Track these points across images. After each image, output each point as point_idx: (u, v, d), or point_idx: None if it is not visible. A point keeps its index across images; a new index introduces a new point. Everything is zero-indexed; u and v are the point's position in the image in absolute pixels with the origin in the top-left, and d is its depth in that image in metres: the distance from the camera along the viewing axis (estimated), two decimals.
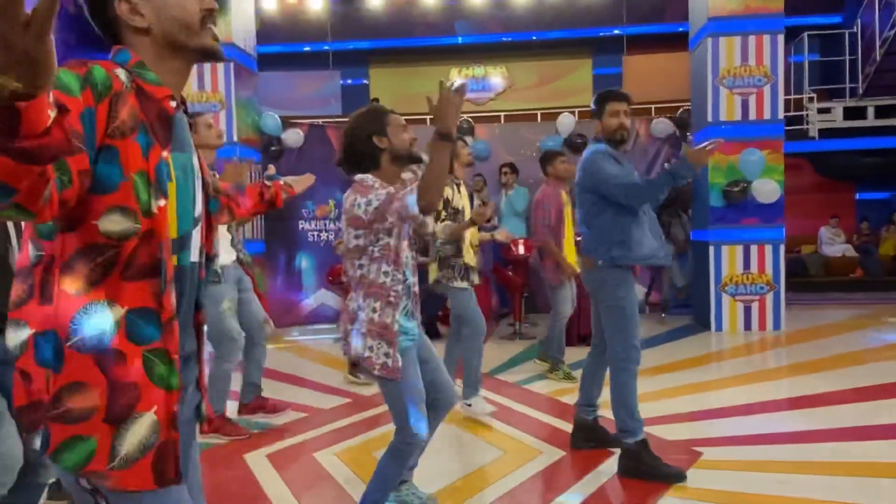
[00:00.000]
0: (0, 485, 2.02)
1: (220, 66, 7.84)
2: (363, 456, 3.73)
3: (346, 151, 2.52)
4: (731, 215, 7.48)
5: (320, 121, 10.26)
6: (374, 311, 2.44)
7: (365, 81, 14.94)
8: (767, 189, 7.30)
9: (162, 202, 1.23)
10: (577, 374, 5.41)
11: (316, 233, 8.70)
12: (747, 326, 7.50)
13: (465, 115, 10.31)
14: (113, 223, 1.18)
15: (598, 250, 3.31)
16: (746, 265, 7.50)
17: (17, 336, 1.20)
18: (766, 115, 7.45)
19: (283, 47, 13.38)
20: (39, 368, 1.17)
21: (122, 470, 1.19)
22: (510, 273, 7.26)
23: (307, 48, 13.87)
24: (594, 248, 3.33)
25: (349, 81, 14.53)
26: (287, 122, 8.80)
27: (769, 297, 7.47)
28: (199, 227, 1.38)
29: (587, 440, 3.71)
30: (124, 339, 1.19)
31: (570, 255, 5.36)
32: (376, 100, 12.87)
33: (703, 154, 3.03)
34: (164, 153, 1.26)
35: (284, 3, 12.29)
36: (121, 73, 1.23)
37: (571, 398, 4.66)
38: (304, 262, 8.80)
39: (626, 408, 3.31)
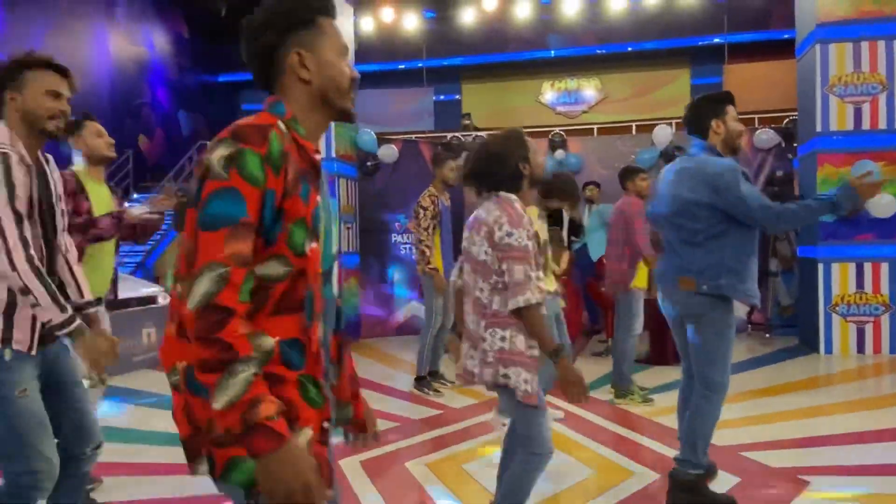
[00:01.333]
0: (43, 490, 2.17)
1: None
2: (453, 468, 3.76)
3: (487, 171, 2.56)
4: (842, 231, 7.06)
5: (414, 136, 10.47)
6: (502, 339, 2.43)
7: (457, 97, 15.15)
8: (883, 203, 6.83)
9: (314, 244, 1.35)
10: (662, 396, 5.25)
11: (407, 246, 8.86)
12: (860, 349, 7.03)
13: (556, 128, 10.26)
14: (270, 269, 1.29)
15: (706, 274, 2.94)
16: (860, 284, 7.05)
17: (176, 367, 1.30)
18: (882, 125, 7.00)
19: (378, 66, 13.77)
20: (196, 398, 1.27)
21: None
22: (603, 289, 7.13)
23: (402, 66, 14.22)
24: (700, 270, 2.96)
25: (442, 97, 14.77)
26: (382, 139, 9.03)
27: (885, 319, 6.98)
28: (336, 262, 1.51)
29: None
30: (280, 365, 1.30)
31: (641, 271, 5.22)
32: (468, 115, 13.03)
33: (873, 187, 2.71)
34: (318, 198, 1.37)
35: (381, 22, 12.69)
36: (282, 127, 1.34)
37: (665, 418, 4.52)
38: (396, 275, 8.97)
39: (704, 439, 3.02)
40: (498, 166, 2.53)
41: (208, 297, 1.18)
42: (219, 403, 1.16)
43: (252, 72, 1.43)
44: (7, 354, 2.09)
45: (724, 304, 3.01)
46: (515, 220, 2.41)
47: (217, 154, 1.24)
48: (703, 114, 3.09)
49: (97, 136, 3.35)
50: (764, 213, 2.84)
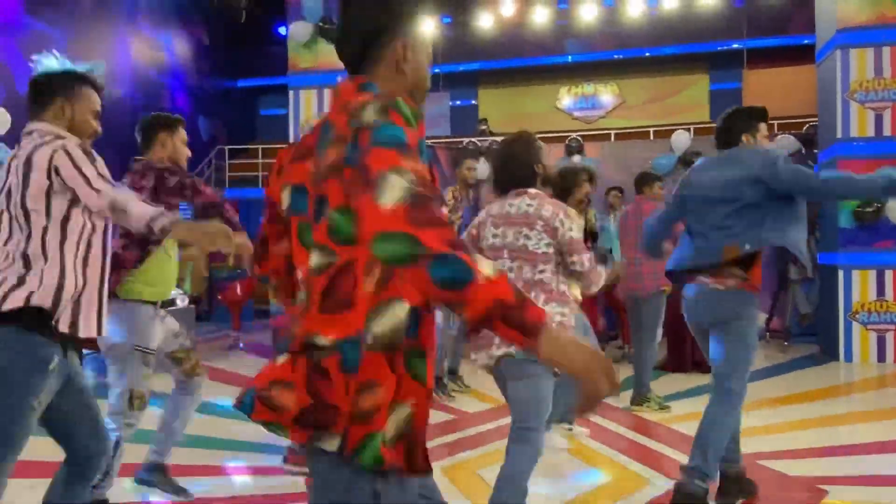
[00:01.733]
0: (128, 426, 2.18)
1: None
2: (467, 473, 3.75)
3: (506, 174, 2.83)
4: (863, 237, 6.97)
5: (430, 141, 10.50)
6: (561, 315, 2.64)
7: (474, 102, 15.16)
8: None
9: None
10: (679, 403, 5.21)
11: None
12: (881, 358, 6.94)
13: (574, 133, 10.23)
14: None
15: (748, 234, 2.89)
16: (880, 291, 6.96)
17: (320, 339, 1.22)
18: None
19: None
20: (341, 374, 1.20)
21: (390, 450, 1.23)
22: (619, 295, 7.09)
23: None
24: (740, 232, 2.91)
25: (458, 102, 14.78)
26: None
27: None
28: None
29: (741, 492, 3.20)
30: (404, 337, 1.23)
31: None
32: (485, 120, 13.03)
33: None
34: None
35: None
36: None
37: (683, 426, 4.49)
38: None
39: (716, 448, 2.94)
40: (517, 167, 2.79)
41: (409, 189, 1.08)
42: (488, 270, 1.05)
43: (344, 47, 1.39)
44: (54, 363, 2.10)
45: (752, 306, 3.00)
46: (567, 213, 2.71)
47: (368, 112, 1.19)
48: (735, 126, 3.12)
49: (183, 144, 3.48)
50: (817, 180, 2.87)
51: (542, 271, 2.67)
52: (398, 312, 1.20)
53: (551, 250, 2.67)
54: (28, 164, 2.10)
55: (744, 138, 3.09)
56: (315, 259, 1.25)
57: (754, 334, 3.02)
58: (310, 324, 1.24)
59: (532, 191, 2.76)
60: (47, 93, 2.25)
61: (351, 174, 1.17)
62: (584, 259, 2.68)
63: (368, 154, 1.13)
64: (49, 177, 2.09)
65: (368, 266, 1.19)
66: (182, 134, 3.26)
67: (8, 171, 2.17)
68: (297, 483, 3.53)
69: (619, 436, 4.43)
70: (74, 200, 2.14)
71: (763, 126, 3.14)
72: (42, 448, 3.85)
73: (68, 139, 2.18)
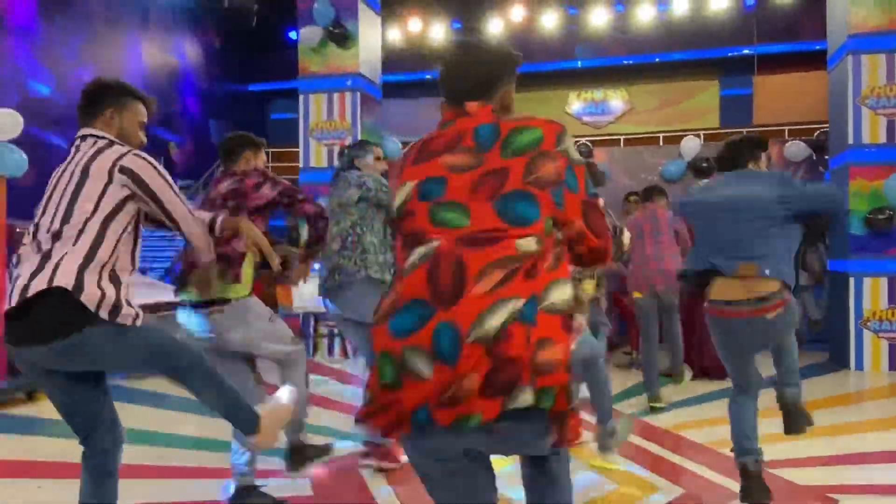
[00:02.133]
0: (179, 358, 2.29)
1: (348, 96, 8.25)
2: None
3: None
4: (874, 245, 6.92)
5: None
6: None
7: None
8: None
9: None
10: (685, 410, 5.18)
11: None
12: (892, 366, 6.87)
13: (583, 139, 10.22)
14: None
15: (768, 260, 2.98)
16: (892, 299, 6.90)
17: (504, 309, 1.39)
18: None
19: (405, 76, 13.85)
20: (522, 327, 1.38)
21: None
22: (627, 301, 7.07)
23: (428, 76, 14.28)
24: (762, 255, 2.98)
25: None
26: (406, 146, 9.08)
27: None
28: None
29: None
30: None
31: None
32: None
33: None
34: None
35: (408, 33, 12.79)
36: None
37: (690, 432, 4.46)
38: None
39: None
40: None
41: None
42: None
43: (469, 79, 1.67)
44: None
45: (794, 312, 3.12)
46: None
47: (570, 142, 1.56)
48: (742, 153, 3.22)
49: (377, 161, 3.90)
50: (833, 187, 3.11)
51: None
52: (566, 288, 1.48)
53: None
54: (85, 172, 2.17)
55: (750, 165, 3.19)
56: (524, 244, 1.46)
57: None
58: (507, 292, 1.41)
59: None
60: (98, 102, 2.32)
61: (574, 200, 1.55)
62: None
63: (592, 198, 1.59)
64: (111, 178, 2.15)
65: (553, 254, 1.50)
66: (263, 156, 3.46)
67: (61, 177, 2.24)
68: (296, 485, 3.54)
69: (627, 442, 4.40)
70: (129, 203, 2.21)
71: (764, 155, 3.25)
72: (50, 448, 3.86)
73: (128, 151, 2.24)
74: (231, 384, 2.34)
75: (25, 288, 2.03)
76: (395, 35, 12.82)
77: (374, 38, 8.84)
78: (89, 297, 2.02)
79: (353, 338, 4.08)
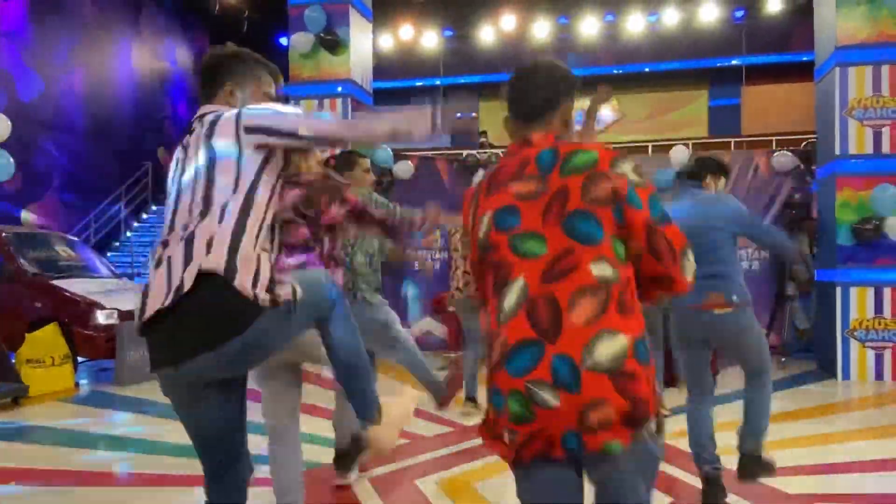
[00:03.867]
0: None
1: (339, 102, 8.25)
2: (464, 487, 3.73)
3: None
4: (861, 255, 6.98)
5: (430, 153, 10.52)
6: None
7: (474, 115, 15.21)
8: None
9: None
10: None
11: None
12: (878, 376, 6.92)
13: None
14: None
15: (739, 290, 3.24)
16: (878, 309, 6.95)
17: (613, 343, 1.46)
18: None
19: (396, 83, 13.88)
20: (640, 367, 1.47)
21: None
22: None
23: (419, 83, 14.32)
24: (734, 289, 3.24)
25: (459, 115, 14.81)
26: (398, 155, 9.08)
27: None
28: None
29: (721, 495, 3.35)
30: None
31: None
32: (485, 133, 13.08)
33: None
34: None
35: (400, 40, 12.81)
36: None
37: (677, 441, 4.47)
38: (409, 291, 8.97)
39: (768, 423, 3.34)
40: None
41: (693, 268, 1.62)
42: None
43: (534, 100, 1.73)
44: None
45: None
46: None
47: (627, 166, 1.58)
48: (703, 168, 3.57)
49: (365, 173, 3.74)
50: (774, 230, 3.47)
51: None
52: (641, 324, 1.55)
53: None
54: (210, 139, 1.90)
55: (707, 179, 3.53)
56: (599, 269, 1.51)
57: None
58: (607, 323, 1.47)
59: None
60: (217, 78, 2.09)
61: (637, 219, 1.55)
62: None
63: (664, 229, 1.57)
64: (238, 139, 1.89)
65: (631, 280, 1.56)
66: (365, 164, 3.58)
67: (187, 159, 1.95)
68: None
69: None
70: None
71: (723, 181, 3.60)
72: (37, 455, 3.81)
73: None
74: (369, 362, 2.17)
75: (179, 286, 1.72)
76: (386, 42, 12.85)
77: (365, 44, 8.85)
78: (244, 282, 1.73)
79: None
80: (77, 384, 6.69)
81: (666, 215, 1.58)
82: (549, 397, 1.46)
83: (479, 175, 8.41)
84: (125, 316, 6.92)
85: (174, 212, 1.89)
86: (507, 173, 1.66)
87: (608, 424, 1.46)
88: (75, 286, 7.18)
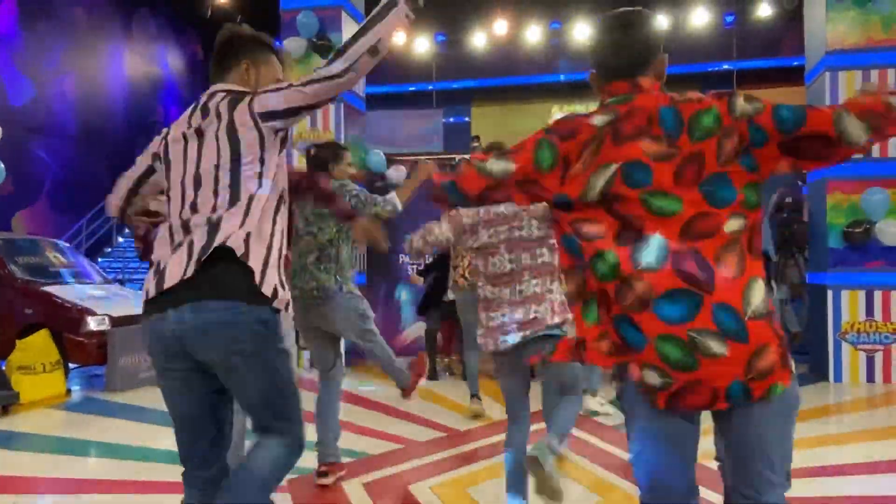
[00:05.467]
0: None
1: (332, 107, 8.24)
2: (458, 491, 3.72)
3: None
4: (852, 258, 7.02)
5: (423, 157, 10.52)
6: (561, 294, 2.87)
7: (467, 119, 15.24)
8: (893, 230, 6.80)
9: None
10: None
11: (416, 266, 8.86)
12: (870, 378, 6.96)
13: None
14: None
15: None
16: (870, 312, 6.99)
17: (759, 287, 1.52)
18: (892, 153, 6.99)
19: (389, 87, 13.89)
20: (773, 305, 1.54)
21: None
22: None
23: (412, 88, 14.33)
24: None
25: (451, 120, 14.85)
26: (391, 159, 9.09)
27: (895, 347, 6.91)
28: None
29: None
30: None
31: None
32: (477, 137, 13.09)
33: None
34: None
35: (392, 45, 12.82)
36: None
37: None
38: (403, 295, 8.97)
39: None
40: None
41: None
42: None
43: (630, 52, 1.69)
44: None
45: None
46: None
47: (741, 103, 1.58)
48: None
49: (349, 167, 3.79)
50: None
51: (541, 255, 2.87)
52: None
53: (543, 232, 2.86)
54: (231, 125, 1.92)
55: None
56: (732, 225, 1.54)
57: None
58: (751, 271, 1.53)
59: None
60: (232, 54, 2.10)
61: (767, 117, 1.56)
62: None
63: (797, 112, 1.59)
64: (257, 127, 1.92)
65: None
66: (349, 157, 3.80)
67: (197, 138, 1.96)
68: (274, 496, 3.50)
69: (607, 453, 4.41)
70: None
71: None
72: (26, 462, 3.78)
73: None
74: None
75: (200, 258, 1.82)
76: None
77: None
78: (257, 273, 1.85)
79: (320, 350, 3.88)
80: (68, 391, 6.65)
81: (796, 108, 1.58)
82: (717, 346, 1.47)
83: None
84: (117, 322, 6.89)
85: (194, 195, 1.91)
86: (633, 126, 1.62)
87: (772, 368, 1.50)
88: (66, 292, 7.15)
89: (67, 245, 8.91)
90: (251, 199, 1.89)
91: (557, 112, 14.91)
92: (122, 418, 5.60)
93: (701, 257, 1.52)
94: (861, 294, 7.02)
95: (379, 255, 8.80)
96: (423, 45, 12.92)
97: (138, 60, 13.10)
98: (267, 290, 1.86)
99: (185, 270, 1.82)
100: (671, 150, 1.57)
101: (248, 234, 1.86)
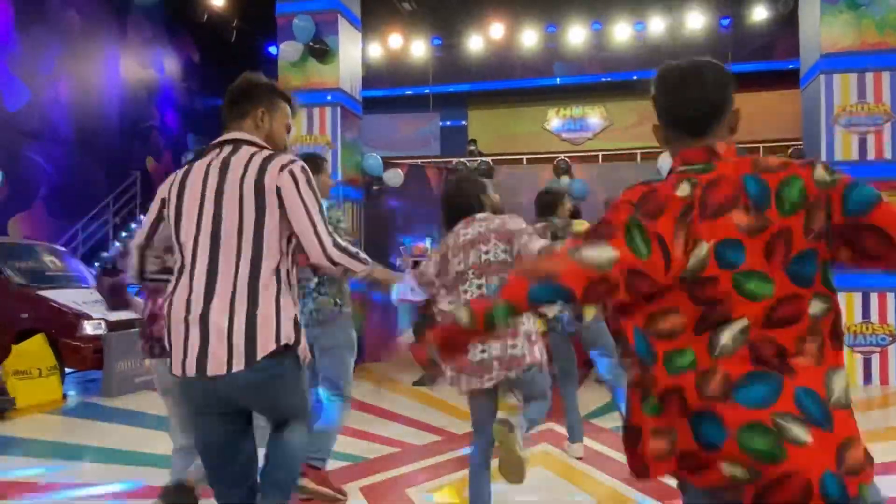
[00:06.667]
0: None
1: (328, 110, 8.25)
2: (455, 496, 3.72)
3: (453, 208, 3.00)
4: None
5: (420, 161, 10.53)
6: (528, 319, 2.82)
7: (463, 123, 15.25)
8: None
9: None
10: None
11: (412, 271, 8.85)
12: (867, 380, 6.97)
13: (562, 155, 10.30)
14: None
15: None
16: (865, 314, 7.01)
17: (841, 376, 1.41)
18: (887, 155, 7.03)
19: (386, 91, 13.90)
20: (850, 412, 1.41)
21: None
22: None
23: (409, 92, 14.34)
24: None
25: (448, 123, 14.86)
26: (388, 163, 9.09)
27: (892, 349, 6.92)
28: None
29: None
30: None
31: None
32: (474, 141, 13.11)
33: None
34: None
35: (389, 49, 12.84)
36: None
37: None
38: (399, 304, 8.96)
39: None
40: (466, 200, 2.98)
41: None
42: None
43: (703, 105, 1.56)
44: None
45: None
46: (514, 217, 2.93)
47: (822, 173, 1.42)
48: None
49: (328, 179, 3.80)
50: None
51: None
52: None
53: (510, 258, 2.80)
54: (259, 189, 2.03)
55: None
56: (814, 308, 1.41)
57: None
58: (832, 360, 1.41)
59: (479, 215, 2.92)
60: (248, 100, 2.19)
61: (836, 193, 1.40)
62: (526, 240, 2.78)
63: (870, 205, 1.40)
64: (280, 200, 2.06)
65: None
66: (329, 168, 3.76)
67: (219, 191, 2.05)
68: None
69: (607, 457, 4.41)
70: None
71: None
72: (25, 468, 3.76)
73: (295, 160, 2.14)
74: None
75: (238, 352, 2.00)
76: (375, 51, 12.87)
77: (354, 53, 8.86)
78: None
79: (328, 366, 3.88)
80: (65, 396, 6.63)
81: (869, 192, 1.38)
82: (801, 432, 1.32)
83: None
84: (113, 326, 6.87)
85: (212, 254, 2.02)
86: (721, 197, 1.45)
87: (863, 465, 1.35)
88: (62, 297, 7.13)
89: (63, 249, 8.89)
90: (269, 263, 2.02)
91: (553, 115, 14.94)
92: (118, 423, 5.58)
93: (778, 345, 1.39)
94: (857, 296, 7.04)
95: (375, 258, 8.79)
96: (419, 49, 12.94)
97: (133, 65, 13.10)
98: (289, 341, 2.04)
99: (230, 362, 1.98)
100: (762, 223, 1.42)
101: (270, 295, 2.01)
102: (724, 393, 1.38)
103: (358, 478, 4.00)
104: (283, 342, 2.01)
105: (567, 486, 3.87)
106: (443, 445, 4.77)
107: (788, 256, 1.40)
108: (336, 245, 2.15)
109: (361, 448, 4.64)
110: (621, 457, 4.37)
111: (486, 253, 2.81)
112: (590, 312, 4.36)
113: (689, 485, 1.49)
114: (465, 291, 2.83)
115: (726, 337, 1.41)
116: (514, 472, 2.67)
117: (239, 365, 1.97)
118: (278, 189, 2.02)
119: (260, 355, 1.98)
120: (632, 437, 1.51)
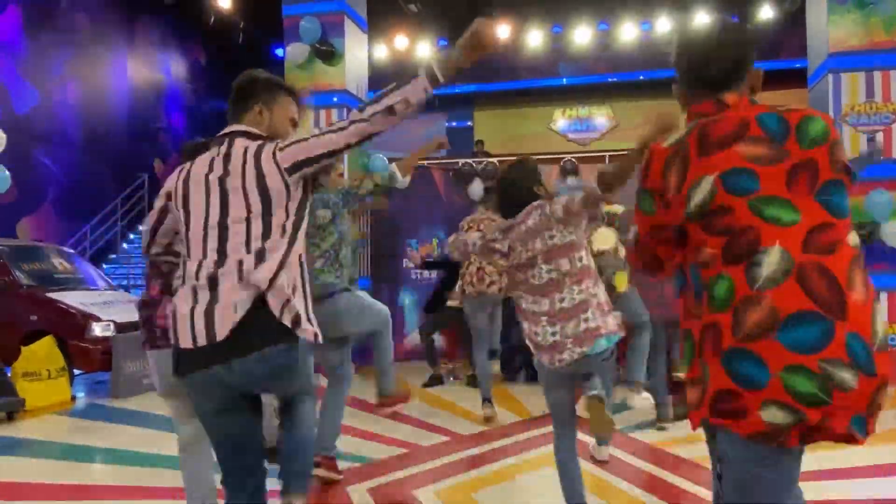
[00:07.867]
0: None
1: (335, 112, 8.27)
2: (463, 496, 3.71)
3: (510, 199, 3.01)
4: None
5: (426, 162, 10.53)
6: (601, 287, 2.84)
7: (469, 123, 15.26)
8: None
9: None
10: (676, 426, 5.18)
11: (419, 271, 8.86)
12: None
13: (568, 156, 10.27)
14: None
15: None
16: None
17: (881, 316, 1.43)
18: (895, 154, 6.98)
19: None
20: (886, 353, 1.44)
21: None
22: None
23: None
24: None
25: (454, 124, 14.87)
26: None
27: None
28: None
29: None
30: None
31: None
32: (481, 142, 13.11)
33: None
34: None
35: (394, 50, 12.86)
36: None
37: (682, 449, 4.46)
38: (406, 300, 8.97)
39: None
40: (522, 191, 2.97)
41: None
42: None
43: (724, 62, 1.61)
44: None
45: None
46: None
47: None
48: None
49: (339, 176, 3.93)
50: None
51: (580, 259, 2.81)
52: None
53: (575, 238, 2.82)
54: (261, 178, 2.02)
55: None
56: (853, 240, 1.45)
57: None
58: (873, 296, 1.43)
59: (535, 203, 2.92)
60: (248, 96, 2.22)
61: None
62: (563, 201, 2.79)
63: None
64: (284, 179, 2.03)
65: None
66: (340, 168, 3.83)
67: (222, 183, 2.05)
68: None
69: (619, 459, 4.40)
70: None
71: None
72: (32, 469, 3.78)
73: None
74: None
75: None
76: (381, 52, 12.90)
77: (360, 54, 8.88)
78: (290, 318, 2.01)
79: (324, 350, 3.88)
80: (73, 397, 6.66)
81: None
82: (849, 378, 1.36)
83: (477, 184, 8.41)
84: (121, 328, 6.90)
85: (220, 243, 2.00)
86: (722, 133, 1.50)
87: (882, 405, 1.42)
88: (71, 298, 7.16)
89: (72, 251, 8.94)
90: (278, 249, 1.99)
91: (560, 116, 14.92)
92: (127, 424, 5.60)
93: (830, 275, 1.38)
94: None
95: (383, 260, 8.81)
96: (425, 50, 12.96)
97: (141, 68, 13.16)
98: (301, 329, 2.01)
99: (229, 334, 1.95)
100: (779, 154, 1.46)
101: (279, 281, 1.98)
102: (765, 330, 1.38)
103: (366, 479, 4.01)
104: (293, 326, 1.99)
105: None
106: (451, 447, 4.77)
107: (815, 185, 1.44)
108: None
109: (369, 449, 4.65)
110: (633, 459, 4.37)
111: (552, 238, 2.83)
112: (622, 282, 4.36)
113: (724, 433, 1.48)
114: (534, 276, 2.85)
115: (767, 266, 1.41)
116: (606, 430, 2.87)
117: (247, 350, 1.96)
118: (278, 165, 2.01)
119: (268, 342, 1.96)
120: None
